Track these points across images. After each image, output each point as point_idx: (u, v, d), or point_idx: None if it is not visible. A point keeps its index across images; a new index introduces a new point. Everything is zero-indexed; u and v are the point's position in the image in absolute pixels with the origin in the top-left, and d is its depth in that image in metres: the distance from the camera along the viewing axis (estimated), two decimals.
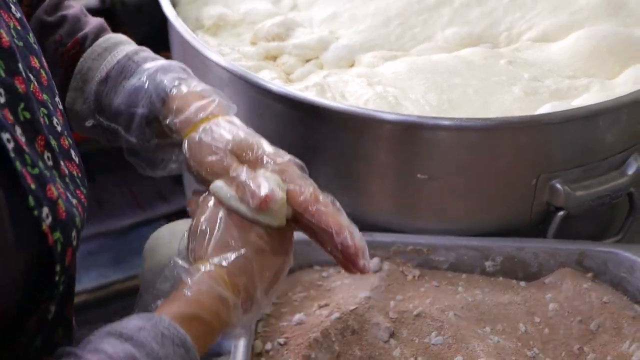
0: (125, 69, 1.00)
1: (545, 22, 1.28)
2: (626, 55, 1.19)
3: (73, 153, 0.85)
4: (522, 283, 1.10)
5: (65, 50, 1.02)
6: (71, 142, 0.86)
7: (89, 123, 1.02)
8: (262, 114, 1.13)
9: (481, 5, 1.30)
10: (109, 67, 1.01)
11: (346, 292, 1.05)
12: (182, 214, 2.45)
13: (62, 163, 0.81)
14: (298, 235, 1.05)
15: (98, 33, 1.03)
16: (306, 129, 1.11)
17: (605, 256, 1.08)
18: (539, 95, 1.14)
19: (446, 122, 1.06)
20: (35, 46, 0.84)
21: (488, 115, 1.10)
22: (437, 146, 1.08)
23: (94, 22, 1.04)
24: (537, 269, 1.10)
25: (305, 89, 1.15)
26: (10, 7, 0.82)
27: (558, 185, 1.08)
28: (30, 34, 0.84)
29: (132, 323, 0.79)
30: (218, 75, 1.15)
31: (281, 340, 0.99)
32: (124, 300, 2.19)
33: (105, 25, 1.05)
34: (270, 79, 1.16)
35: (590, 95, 1.13)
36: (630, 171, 1.11)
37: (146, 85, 0.97)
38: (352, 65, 1.23)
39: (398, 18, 1.28)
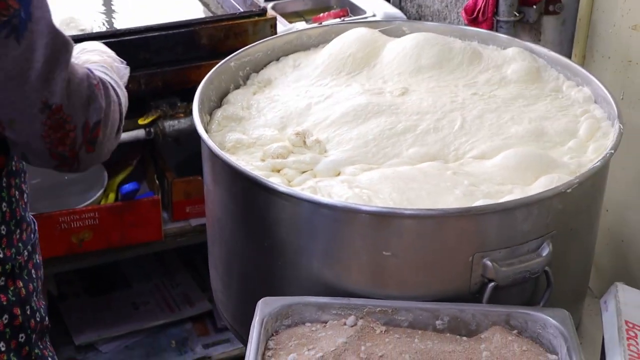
0: None
1: (484, 145, 1.49)
2: (540, 169, 1.41)
3: None
4: (464, 338, 1.29)
5: None
6: None
7: None
8: (269, 209, 1.37)
9: (437, 132, 1.53)
10: None
11: (329, 340, 1.26)
12: (206, 316, 2.68)
13: None
14: (295, 299, 1.34)
15: None
16: (301, 218, 1.35)
17: (525, 317, 1.29)
18: (474, 196, 1.35)
19: (405, 212, 1.30)
20: None
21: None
22: (398, 230, 1.30)
23: None
24: (475, 327, 1.30)
25: (302, 189, 1.37)
26: None
27: (488, 262, 1.29)
28: None
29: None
30: (239, 181, 1.41)
31: None
32: None
33: None
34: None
35: (512, 196, 1.35)
36: (544, 253, 1.33)
37: None
38: (338, 174, 1.45)
39: (374, 141, 1.50)
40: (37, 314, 1.40)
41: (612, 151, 1.42)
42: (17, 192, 1.35)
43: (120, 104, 1.32)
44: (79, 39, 2.00)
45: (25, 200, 1.39)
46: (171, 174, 2.26)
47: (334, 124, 1.57)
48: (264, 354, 1.29)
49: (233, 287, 1.58)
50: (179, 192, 2.23)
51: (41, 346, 1.43)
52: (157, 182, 2.24)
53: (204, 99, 1.61)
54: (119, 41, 2.03)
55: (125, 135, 2.11)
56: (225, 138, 1.56)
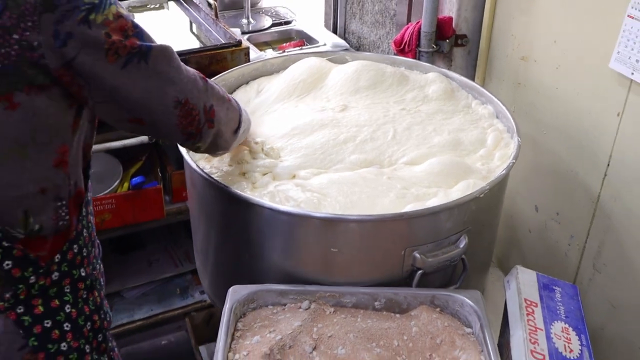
0: None
1: (413, 152, 1.24)
2: (458, 174, 1.18)
3: None
4: (398, 315, 1.08)
5: None
6: None
7: None
8: (236, 213, 1.11)
9: (373, 142, 1.27)
10: None
11: (286, 323, 1.04)
12: None
13: None
14: (259, 287, 1.09)
15: None
16: (263, 221, 1.09)
17: (447, 298, 1.08)
18: (406, 198, 1.13)
19: (350, 217, 1.05)
20: None
21: (374, 211, 1.10)
22: (343, 232, 1.06)
23: None
24: (406, 306, 1.09)
25: (263, 195, 1.13)
26: None
27: (417, 255, 1.08)
28: None
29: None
30: (211, 189, 1.15)
31: (244, 353, 0.99)
32: (164, 325, 2.18)
33: None
34: (244, 187, 1.15)
35: (437, 199, 1.12)
36: (461, 245, 1.11)
37: None
38: (294, 177, 1.19)
39: (321, 149, 1.24)
40: (108, 315, 1.17)
41: (514, 161, 1.19)
42: (91, 218, 1.12)
43: (239, 112, 1.15)
44: None
45: (93, 222, 1.16)
46: (171, 167, 1.99)
47: (286, 136, 1.29)
48: (233, 334, 1.04)
49: (208, 269, 1.31)
50: (177, 181, 1.97)
51: (109, 339, 1.20)
52: (160, 174, 1.96)
53: None
54: None
55: (135, 140, 1.84)
56: None
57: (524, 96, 1.65)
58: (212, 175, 1.14)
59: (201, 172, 1.13)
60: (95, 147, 1.80)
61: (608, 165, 1.43)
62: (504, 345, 1.16)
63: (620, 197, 1.42)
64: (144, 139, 1.89)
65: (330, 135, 1.28)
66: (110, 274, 2.35)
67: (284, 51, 2.23)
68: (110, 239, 2.33)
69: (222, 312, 1.05)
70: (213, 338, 1.10)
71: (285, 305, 1.09)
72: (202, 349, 2.17)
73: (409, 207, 1.10)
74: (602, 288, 1.52)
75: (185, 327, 2.20)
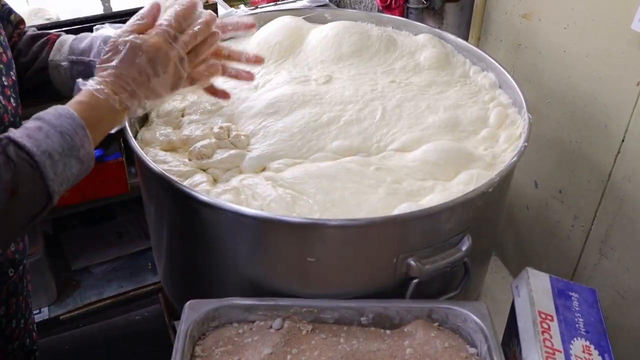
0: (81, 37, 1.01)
1: (404, 136, 1.00)
2: (459, 164, 0.95)
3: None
4: (388, 331, 0.87)
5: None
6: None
7: (65, 63, 0.98)
8: (191, 214, 0.87)
9: (359, 123, 1.02)
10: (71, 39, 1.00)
11: (254, 349, 0.82)
12: None
13: None
14: (221, 302, 0.86)
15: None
16: (224, 225, 0.86)
17: (446, 311, 0.87)
18: (398, 195, 0.89)
19: (330, 223, 0.81)
20: None
21: (360, 211, 0.86)
22: (321, 239, 0.83)
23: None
24: (399, 321, 0.87)
25: (224, 191, 0.88)
26: None
27: (412, 262, 0.85)
28: None
29: (44, 111, 0.76)
30: (149, 175, 0.88)
31: None
32: (136, 302, 1.94)
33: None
34: (200, 181, 0.90)
35: (434, 195, 0.89)
36: (464, 247, 0.89)
37: (96, 37, 0.98)
38: (263, 169, 0.96)
39: (299, 134, 0.99)
40: None
41: (526, 144, 0.95)
42: None
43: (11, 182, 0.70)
44: (45, 27, 1.42)
45: None
46: None
47: (259, 115, 1.04)
48: None
49: (162, 268, 1.07)
50: None
51: None
52: (122, 144, 1.71)
53: None
54: (83, 27, 1.45)
55: None
56: (155, 135, 1.02)
57: (525, 59, 1.41)
58: (163, 164, 0.90)
59: (145, 159, 0.88)
60: None
61: (623, 141, 1.21)
62: (509, 357, 0.96)
63: (636, 177, 1.20)
64: None
65: (311, 116, 1.03)
66: (78, 248, 2.13)
67: (256, 7, 1.94)
68: (77, 212, 2.11)
69: (177, 335, 0.83)
70: None
71: (253, 322, 0.87)
72: (177, 323, 1.97)
73: (403, 207, 0.87)
74: (608, 275, 1.32)
75: (160, 301, 2.02)
